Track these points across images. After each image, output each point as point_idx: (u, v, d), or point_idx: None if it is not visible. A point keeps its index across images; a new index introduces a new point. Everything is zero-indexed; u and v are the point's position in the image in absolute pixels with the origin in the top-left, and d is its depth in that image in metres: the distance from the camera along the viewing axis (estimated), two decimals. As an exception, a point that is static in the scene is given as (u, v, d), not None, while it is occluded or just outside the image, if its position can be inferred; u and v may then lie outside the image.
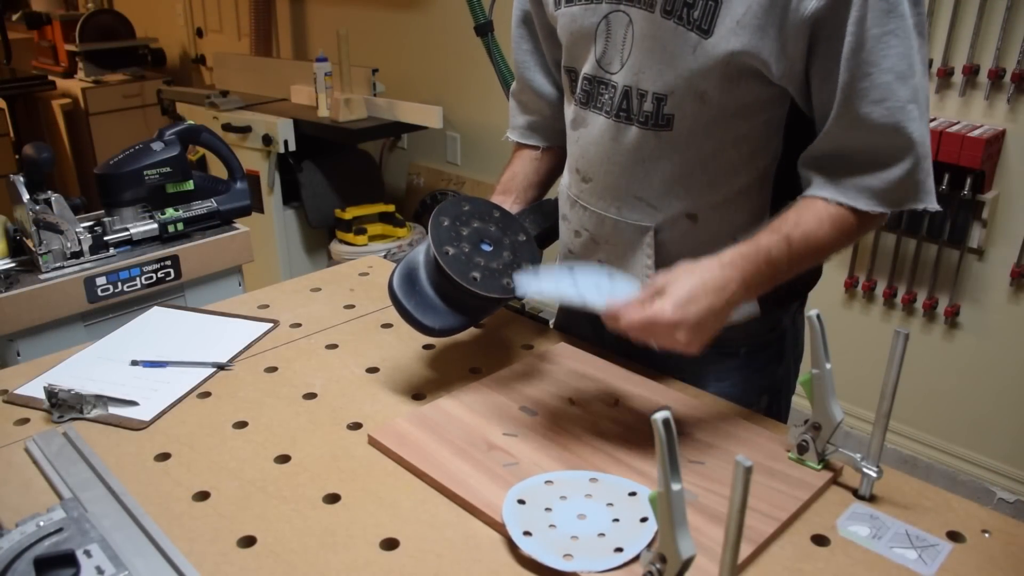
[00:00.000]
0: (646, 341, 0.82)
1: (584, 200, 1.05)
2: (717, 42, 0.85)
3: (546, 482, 0.82)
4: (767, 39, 0.84)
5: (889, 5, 0.80)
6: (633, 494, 0.79)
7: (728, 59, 0.86)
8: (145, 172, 1.48)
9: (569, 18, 0.99)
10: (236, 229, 1.61)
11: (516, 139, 1.22)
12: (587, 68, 0.98)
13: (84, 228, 1.43)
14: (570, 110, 1.05)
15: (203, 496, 0.83)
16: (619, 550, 0.71)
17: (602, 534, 0.74)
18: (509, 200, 1.15)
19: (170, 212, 1.53)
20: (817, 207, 0.89)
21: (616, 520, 0.76)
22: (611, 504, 0.78)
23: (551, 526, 0.75)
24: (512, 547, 0.75)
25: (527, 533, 0.74)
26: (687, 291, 0.81)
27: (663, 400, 0.98)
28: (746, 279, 0.84)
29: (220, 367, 1.08)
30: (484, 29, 2.33)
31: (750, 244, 0.86)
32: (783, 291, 0.92)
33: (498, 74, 2.39)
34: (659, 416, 0.57)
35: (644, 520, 0.75)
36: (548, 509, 0.77)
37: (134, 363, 1.08)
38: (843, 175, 0.89)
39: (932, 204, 0.89)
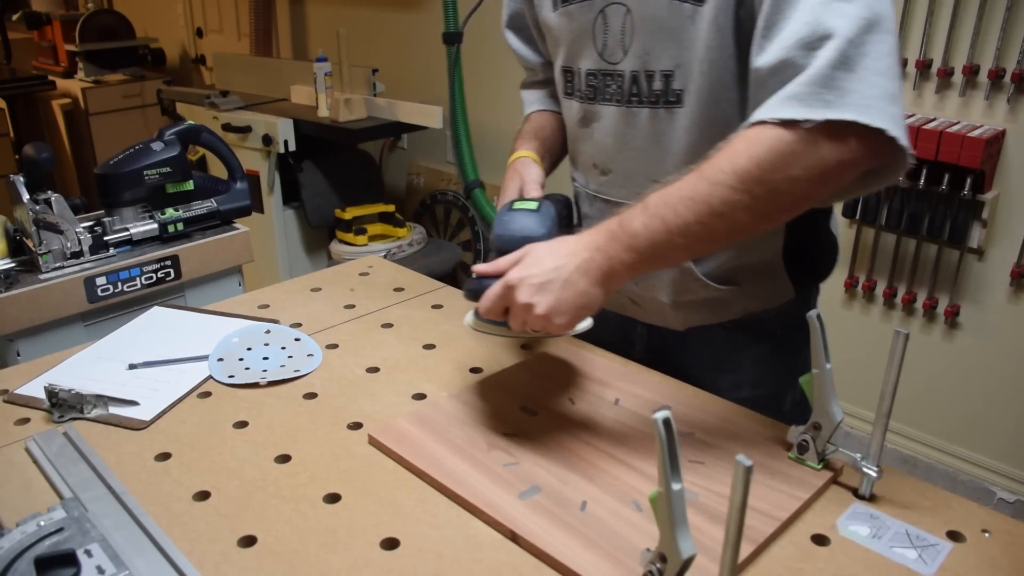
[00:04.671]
0: (499, 305, 0.84)
1: (605, 193, 1.05)
2: (710, 6, 0.86)
3: (234, 340, 1.14)
4: None
5: None
6: (297, 339, 1.14)
7: (721, 18, 0.85)
8: (145, 172, 1.48)
9: (567, 18, 0.99)
10: (236, 229, 1.61)
11: (538, 108, 1.21)
12: (589, 64, 0.99)
13: (84, 228, 1.43)
14: (574, 109, 1.05)
15: (203, 496, 0.83)
16: (297, 371, 1.05)
17: (283, 365, 1.08)
18: (536, 144, 1.13)
19: (170, 212, 1.53)
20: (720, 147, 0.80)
21: (291, 356, 1.10)
22: (284, 347, 1.12)
23: (246, 368, 1.07)
24: (512, 547, 0.75)
25: (231, 376, 1.04)
26: (536, 255, 0.84)
27: (663, 400, 0.98)
28: (599, 242, 0.81)
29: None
30: (453, 39, 2.34)
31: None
32: (818, 268, 0.90)
33: (450, 89, 2.40)
34: (659, 416, 0.57)
35: (311, 355, 1.10)
36: (241, 359, 1.09)
37: (132, 367, 1.08)
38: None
39: (875, 120, 0.72)
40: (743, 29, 0.85)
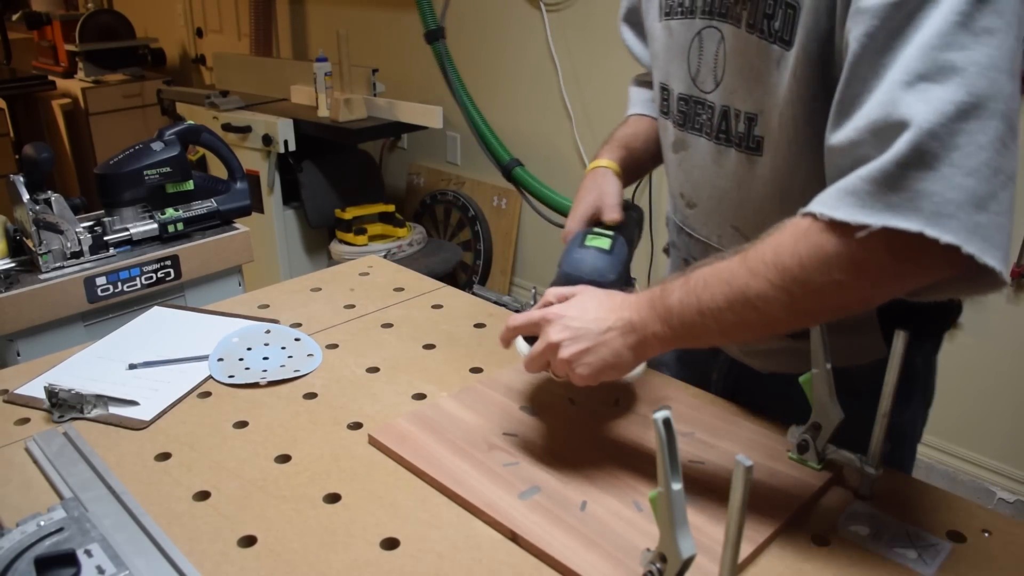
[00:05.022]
0: (530, 331, 0.83)
1: (689, 226, 0.99)
2: (799, 51, 0.75)
3: (234, 340, 1.14)
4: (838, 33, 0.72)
5: None
6: (298, 339, 1.14)
7: (806, 70, 0.76)
8: (145, 172, 1.48)
9: (667, 32, 0.92)
10: (236, 229, 1.61)
11: (639, 111, 1.14)
12: (682, 88, 0.92)
13: (84, 228, 1.43)
14: (669, 131, 0.97)
15: (203, 496, 0.83)
16: (297, 371, 1.06)
17: (283, 365, 1.08)
18: (624, 154, 1.07)
19: (170, 212, 1.53)
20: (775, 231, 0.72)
21: (290, 356, 1.10)
22: (284, 347, 1.12)
23: (246, 368, 1.07)
24: (512, 547, 0.75)
25: (231, 376, 1.05)
26: (584, 299, 0.82)
27: (663, 400, 0.98)
28: (640, 307, 0.78)
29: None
30: (434, 35, 2.31)
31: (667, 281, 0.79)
32: (918, 328, 0.78)
33: (448, 83, 2.36)
34: (659, 415, 0.57)
35: (311, 355, 1.10)
36: (241, 359, 1.10)
37: (132, 367, 1.08)
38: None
39: (947, 233, 0.61)
40: (833, 86, 0.73)
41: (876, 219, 0.62)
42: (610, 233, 0.95)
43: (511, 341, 0.88)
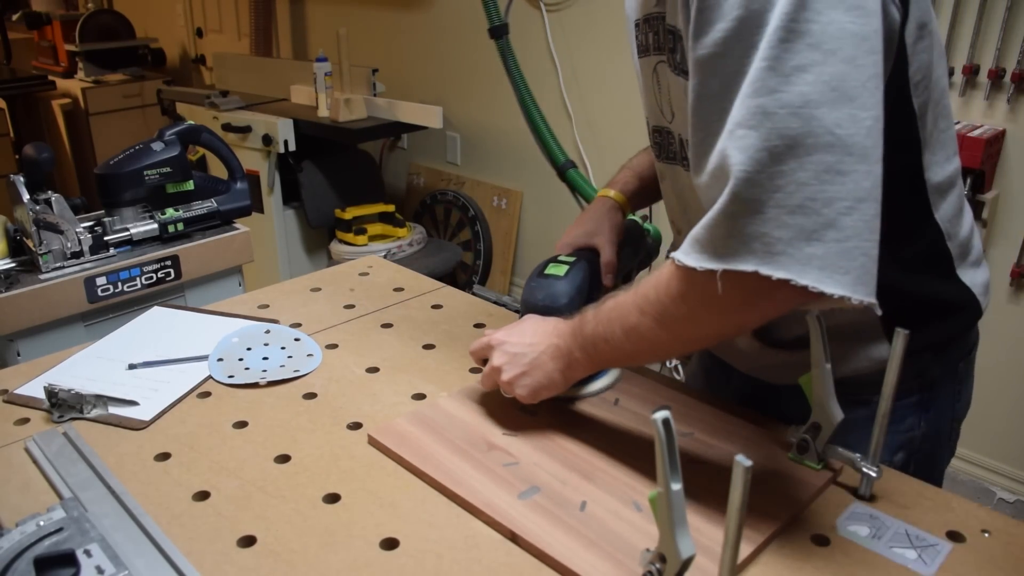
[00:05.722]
0: (478, 356, 0.96)
1: None
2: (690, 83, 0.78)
3: (233, 340, 1.14)
4: None
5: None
6: (297, 339, 1.14)
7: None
8: (145, 172, 1.48)
9: (641, 68, 0.93)
10: (236, 229, 1.61)
11: None
12: (654, 120, 0.94)
13: (84, 228, 1.43)
14: (656, 163, 1.00)
15: (203, 496, 0.83)
16: (296, 371, 1.06)
17: (283, 365, 1.08)
18: (636, 184, 1.13)
19: (170, 212, 1.53)
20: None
21: (290, 356, 1.10)
22: (283, 347, 1.12)
23: (246, 368, 1.07)
24: (511, 547, 0.75)
25: (231, 376, 1.05)
26: (524, 326, 0.92)
27: (663, 400, 0.98)
28: (566, 333, 0.87)
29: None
30: (500, 31, 2.27)
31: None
32: (934, 335, 0.79)
33: (511, 79, 2.34)
34: (659, 416, 0.57)
35: (311, 355, 1.10)
36: (241, 359, 1.09)
37: (132, 367, 1.08)
38: None
39: (780, 269, 0.63)
40: None
41: (717, 264, 0.67)
42: (570, 260, 1.02)
43: (477, 362, 0.98)
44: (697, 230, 0.69)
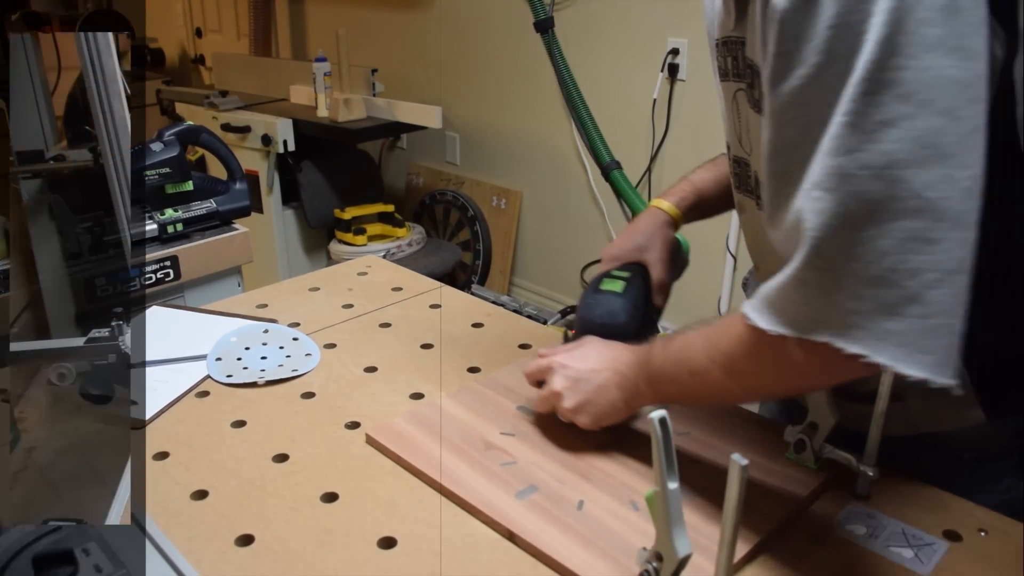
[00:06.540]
0: (535, 379, 0.93)
1: (756, 286, 0.94)
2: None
3: (232, 339, 1.15)
4: None
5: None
6: (296, 339, 1.15)
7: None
8: (145, 173, 1.48)
9: (722, 91, 0.86)
10: (235, 230, 1.61)
11: None
12: (735, 149, 0.87)
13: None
14: (735, 194, 0.93)
15: (201, 495, 0.83)
16: (295, 370, 1.07)
17: (281, 365, 1.09)
18: (694, 199, 1.08)
19: (169, 213, 1.53)
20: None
21: (288, 356, 1.11)
22: (282, 347, 1.13)
23: (244, 368, 1.08)
24: (509, 546, 0.75)
25: (229, 375, 1.05)
26: (586, 350, 0.89)
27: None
28: (632, 363, 0.83)
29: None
30: (545, 25, 2.25)
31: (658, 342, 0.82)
32: (997, 395, 0.74)
33: (557, 73, 2.30)
34: (656, 415, 0.57)
35: (309, 355, 1.10)
36: (239, 359, 1.10)
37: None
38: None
39: (853, 343, 0.58)
40: None
41: (788, 331, 0.62)
42: (624, 275, 0.99)
43: (532, 384, 0.95)
44: (769, 289, 0.64)
